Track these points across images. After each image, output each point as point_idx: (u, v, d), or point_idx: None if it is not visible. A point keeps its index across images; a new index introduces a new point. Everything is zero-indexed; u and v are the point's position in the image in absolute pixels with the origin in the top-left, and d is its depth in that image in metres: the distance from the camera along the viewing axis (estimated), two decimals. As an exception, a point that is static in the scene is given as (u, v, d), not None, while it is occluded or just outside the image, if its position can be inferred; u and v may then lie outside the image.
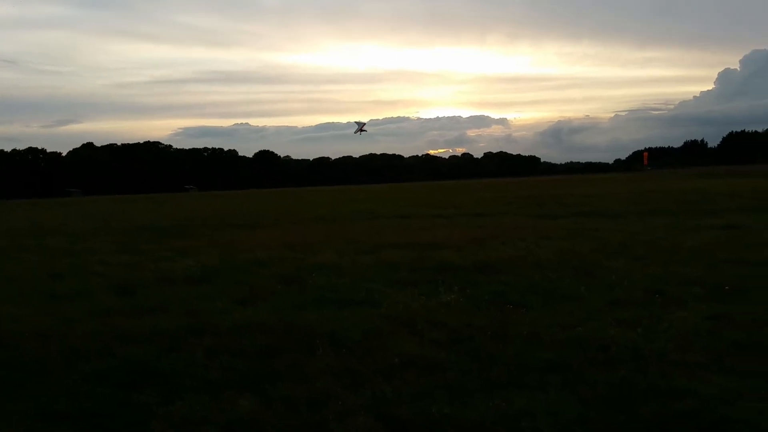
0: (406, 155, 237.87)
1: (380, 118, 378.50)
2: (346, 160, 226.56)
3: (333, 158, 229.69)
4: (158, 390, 5.68)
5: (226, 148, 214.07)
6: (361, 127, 68.01)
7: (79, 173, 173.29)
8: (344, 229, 22.65)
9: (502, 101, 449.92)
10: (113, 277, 12.53)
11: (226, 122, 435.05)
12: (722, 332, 6.77)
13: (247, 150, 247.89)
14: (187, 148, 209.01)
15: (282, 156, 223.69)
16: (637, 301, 8.46)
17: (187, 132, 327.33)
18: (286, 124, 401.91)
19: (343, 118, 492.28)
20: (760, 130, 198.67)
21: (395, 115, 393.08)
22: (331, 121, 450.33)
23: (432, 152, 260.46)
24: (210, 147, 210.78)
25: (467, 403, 5.13)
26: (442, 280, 10.46)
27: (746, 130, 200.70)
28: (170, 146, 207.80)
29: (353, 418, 4.87)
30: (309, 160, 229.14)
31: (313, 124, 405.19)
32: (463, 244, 15.56)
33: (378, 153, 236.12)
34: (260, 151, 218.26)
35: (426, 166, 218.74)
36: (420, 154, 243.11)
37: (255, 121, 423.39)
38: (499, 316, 7.92)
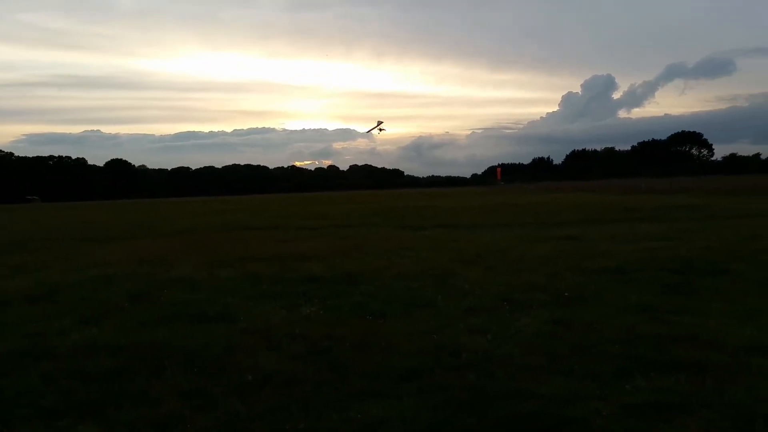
0: (271, 166, 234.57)
1: (245, 128, 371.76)
2: (208, 170, 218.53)
3: (194, 168, 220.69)
4: (-14, 420, 5.14)
5: (74, 156, 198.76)
6: (378, 125, 63.13)
7: None
8: (203, 241, 21.79)
9: (367, 115, 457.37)
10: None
11: (75, 129, 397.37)
12: (562, 336, 7.30)
13: (97, 159, 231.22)
14: (30, 156, 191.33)
15: (137, 165, 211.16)
16: (487, 307, 8.90)
17: (31, 139, 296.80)
18: (142, 132, 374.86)
19: (205, 128, 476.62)
20: (598, 148, 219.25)
21: (260, 126, 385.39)
22: (192, 129, 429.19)
23: (298, 164, 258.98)
24: (56, 155, 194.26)
25: (323, 415, 5.08)
26: (305, 292, 10.38)
27: (586, 149, 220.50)
28: (11, 154, 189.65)
29: (203, 440, 4.64)
30: (167, 170, 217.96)
31: (172, 133, 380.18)
32: (328, 255, 15.56)
33: (242, 164, 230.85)
34: (112, 160, 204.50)
35: (292, 178, 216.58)
36: (285, 166, 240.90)
37: (107, 128, 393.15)
38: (359, 327, 7.97)
